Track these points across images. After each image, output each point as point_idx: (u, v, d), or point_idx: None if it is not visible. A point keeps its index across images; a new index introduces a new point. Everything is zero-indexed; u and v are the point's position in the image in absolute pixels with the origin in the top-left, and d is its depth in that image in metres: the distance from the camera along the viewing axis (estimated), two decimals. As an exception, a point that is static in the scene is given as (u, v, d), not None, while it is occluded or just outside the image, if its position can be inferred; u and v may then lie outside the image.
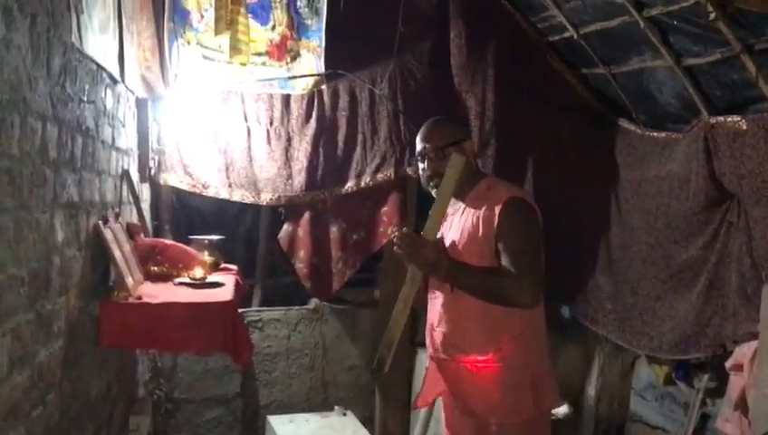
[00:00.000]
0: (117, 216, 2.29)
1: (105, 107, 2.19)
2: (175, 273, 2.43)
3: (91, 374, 1.94)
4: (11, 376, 1.27)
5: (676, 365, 3.53)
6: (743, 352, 2.93)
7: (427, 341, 2.21)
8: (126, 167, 2.59)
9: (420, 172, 2.18)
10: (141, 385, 2.93)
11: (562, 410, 3.40)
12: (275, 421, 3.46)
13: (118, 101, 2.44)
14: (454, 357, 2.11)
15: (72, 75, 1.74)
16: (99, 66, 2.07)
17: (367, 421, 3.75)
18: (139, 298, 2.02)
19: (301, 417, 3.53)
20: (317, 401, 3.73)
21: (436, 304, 2.18)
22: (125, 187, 2.55)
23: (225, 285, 2.32)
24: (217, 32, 2.67)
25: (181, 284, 2.29)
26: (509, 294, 1.95)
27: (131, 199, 2.61)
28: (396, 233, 2.07)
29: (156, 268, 2.42)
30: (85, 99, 1.88)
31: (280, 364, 3.66)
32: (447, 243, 2.12)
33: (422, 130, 2.18)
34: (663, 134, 3.13)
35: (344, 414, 3.59)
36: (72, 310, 1.71)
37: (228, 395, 3.50)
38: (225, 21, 2.56)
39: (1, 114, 1.22)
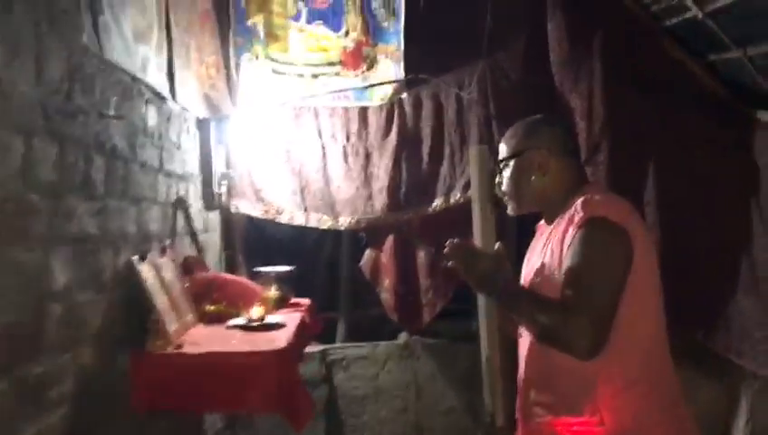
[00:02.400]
0: (164, 250, 2.01)
1: (146, 125, 1.92)
2: (234, 312, 2.11)
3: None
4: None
5: None
6: None
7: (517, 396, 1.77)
8: (181, 193, 2.32)
9: None
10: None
11: None
12: (364, 473, 3.09)
13: (168, 121, 2.19)
14: (542, 418, 1.65)
15: (87, 84, 1.46)
16: (134, 78, 1.80)
17: (469, 471, 3.31)
18: (179, 347, 1.70)
19: (393, 468, 3.14)
20: (412, 449, 3.32)
21: (523, 345, 1.75)
22: (180, 216, 2.28)
23: (284, 327, 1.96)
24: (249, 15, 2.37)
25: (234, 326, 1.96)
26: (556, 334, 1.51)
27: (188, 231, 2.34)
28: (449, 244, 1.70)
29: (212, 307, 2.12)
30: (110, 113, 1.61)
31: (368, 407, 3.28)
32: (525, 271, 1.74)
33: None
34: (819, 124, 2.55)
35: (442, 465, 3.17)
36: (87, 367, 1.41)
37: (312, 443, 3.15)
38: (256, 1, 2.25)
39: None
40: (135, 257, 1.74)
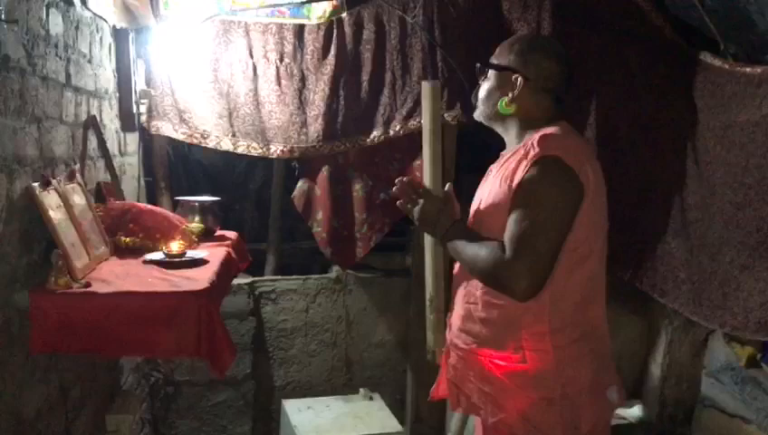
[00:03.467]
0: (73, 174, 1.80)
1: (48, 33, 1.68)
2: (150, 245, 1.94)
3: (24, 387, 1.48)
4: None
5: (763, 346, 3.06)
6: None
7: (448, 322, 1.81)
8: (94, 112, 2.08)
9: None
10: (129, 371, 2.49)
11: (635, 412, 2.88)
12: (291, 407, 3.03)
13: (76, 29, 1.93)
14: (468, 346, 1.67)
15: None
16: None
17: (397, 404, 3.31)
18: (88, 285, 1.53)
19: (320, 402, 3.10)
20: (340, 383, 3.28)
21: (457, 278, 1.76)
22: (92, 138, 2.05)
23: (207, 264, 1.81)
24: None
25: (151, 262, 1.79)
26: (494, 276, 1.53)
27: (101, 154, 2.12)
28: (397, 182, 1.74)
29: (128, 240, 1.94)
30: None
31: (297, 341, 3.20)
32: (474, 207, 1.73)
33: None
34: (759, 69, 2.50)
35: (370, 398, 3.15)
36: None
37: (238, 376, 3.06)
38: None
39: None
40: (36, 184, 1.54)
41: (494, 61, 1.72)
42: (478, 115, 1.76)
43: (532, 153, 1.55)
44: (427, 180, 1.77)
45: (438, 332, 1.85)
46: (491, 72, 1.71)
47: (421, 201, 1.69)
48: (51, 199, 1.59)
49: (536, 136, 1.60)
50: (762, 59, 2.60)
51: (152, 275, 1.68)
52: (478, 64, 1.76)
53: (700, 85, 2.79)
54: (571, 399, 1.57)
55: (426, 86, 1.80)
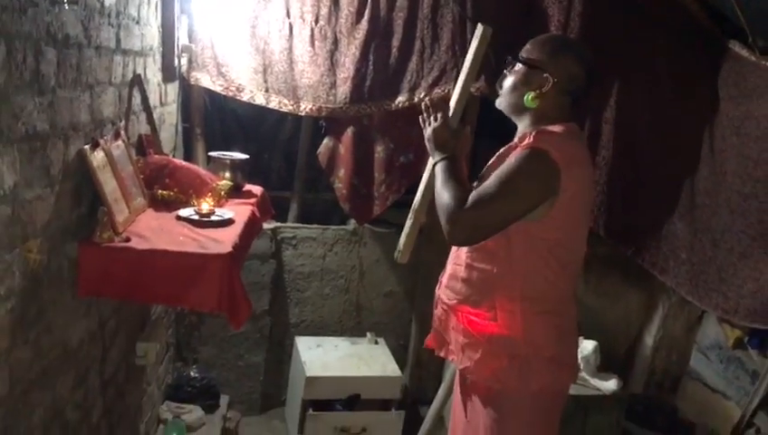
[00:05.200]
0: (118, 133, 2.00)
1: (102, 5, 1.84)
2: (183, 199, 2.15)
3: (71, 321, 1.73)
4: None
5: (751, 330, 3.25)
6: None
7: None
8: (139, 71, 2.26)
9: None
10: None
11: (610, 385, 3.08)
12: (302, 344, 3.32)
13: (127, -5, 2.09)
14: (450, 301, 1.91)
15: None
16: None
17: (401, 350, 3.58)
18: (127, 240, 1.76)
19: (330, 341, 3.37)
20: (349, 325, 3.54)
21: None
22: (136, 94, 2.24)
23: (233, 224, 2.03)
24: None
25: (183, 219, 2.01)
26: (446, 212, 1.71)
27: (144, 107, 2.31)
28: (428, 100, 1.94)
29: (164, 193, 2.15)
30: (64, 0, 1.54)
31: (313, 284, 3.45)
32: (476, 182, 1.90)
33: None
34: (783, 65, 2.57)
35: (376, 342, 3.42)
36: (35, 261, 1.46)
37: (256, 311, 3.32)
38: None
39: None
40: (86, 147, 1.74)
41: (525, 56, 1.84)
42: (499, 103, 1.90)
43: (526, 141, 1.74)
44: (450, 111, 1.93)
45: (410, 237, 2.07)
46: (519, 66, 1.84)
47: (436, 123, 1.86)
48: (98, 159, 1.79)
49: (536, 131, 1.77)
50: (788, 56, 2.63)
51: (183, 232, 1.90)
52: (509, 57, 1.87)
53: (725, 74, 2.84)
54: (530, 360, 1.79)
55: (480, 28, 1.89)
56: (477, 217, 1.68)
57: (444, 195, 1.73)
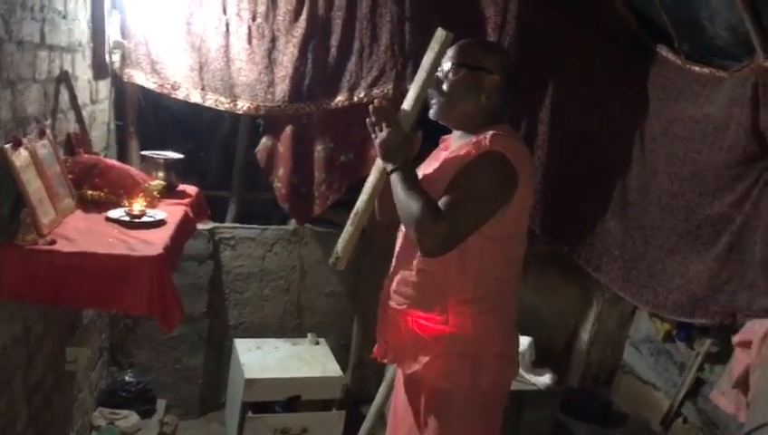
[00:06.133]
0: (43, 132, 1.93)
1: (24, -2, 1.77)
2: (114, 200, 2.09)
3: (-7, 327, 1.66)
4: None
5: (678, 324, 3.33)
6: (754, 329, 2.72)
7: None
8: (66, 67, 2.19)
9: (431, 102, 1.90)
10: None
11: (544, 380, 3.16)
12: (242, 346, 3.27)
13: (53, -12, 2.02)
14: (399, 306, 1.90)
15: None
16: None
17: (342, 350, 3.57)
18: (53, 242, 1.70)
19: (270, 343, 3.34)
20: (290, 326, 3.51)
21: (398, 243, 1.97)
22: (64, 91, 2.17)
23: (165, 225, 1.98)
24: None
25: (113, 220, 1.96)
26: (418, 225, 1.68)
27: (72, 106, 2.23)
28: (375, 103, 1.84)
29: (93, 193, 2.09)
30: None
31: (252, 285, 3.41)
32: (421, 171, 1.91)
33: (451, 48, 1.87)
34: (706, 70, 2.66)
35: (317, 343, 3.40)
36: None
37: (194, 314, 3.26)
38: None
39: None
40: (8, 145, 1.67)
41: (468, 60, 1.84)
42: (435, 113, 1.88)
43: (483, 145, 1.76)
44: (402, 115, 1.85)
45: (349, 243, 1.97)
46: (462, 73, 1.83)
47: (389, 129, 1.78)
48: (21, 159, 1.72)
49: (489, 134, 1.79)
50: (711, 60, 2.73)
51: (112, 234, 1.84)
52: (454, 63, 1.84)
53: (654, 77, 2.93)
54: (480, 358, 1.83)
55: (440, 32, 1.82)
56: (453, 229, 1.67)
57: (411, 205, 1.69)
